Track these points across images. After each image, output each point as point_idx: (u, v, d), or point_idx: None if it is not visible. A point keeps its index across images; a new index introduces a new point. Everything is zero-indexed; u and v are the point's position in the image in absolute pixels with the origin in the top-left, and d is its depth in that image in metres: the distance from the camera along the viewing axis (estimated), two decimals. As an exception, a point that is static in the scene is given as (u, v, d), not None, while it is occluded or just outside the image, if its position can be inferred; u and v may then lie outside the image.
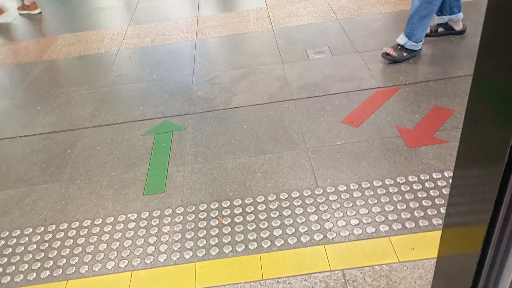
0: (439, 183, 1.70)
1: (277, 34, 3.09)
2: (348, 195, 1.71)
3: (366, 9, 3.23)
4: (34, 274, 1.59)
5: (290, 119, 2.19)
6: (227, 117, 2.28)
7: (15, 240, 1.73)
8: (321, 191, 1.75)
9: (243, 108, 2.33)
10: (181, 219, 1.72)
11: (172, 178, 1.92)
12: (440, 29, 2.67)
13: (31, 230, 1.76)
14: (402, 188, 1.70)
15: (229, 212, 1.72)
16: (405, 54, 2.49)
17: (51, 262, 1.62)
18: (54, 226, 1.76)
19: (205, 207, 1.75)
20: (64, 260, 1.62)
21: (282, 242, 1.57)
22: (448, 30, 2.67)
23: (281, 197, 1.75)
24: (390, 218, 1.59)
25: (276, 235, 1.59)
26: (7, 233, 1.76)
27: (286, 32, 3.09)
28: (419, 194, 1.66)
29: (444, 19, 2.63)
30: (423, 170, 1.76)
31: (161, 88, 2.63)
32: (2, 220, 1.83)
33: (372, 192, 1.70)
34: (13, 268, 1.62)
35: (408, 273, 1.41)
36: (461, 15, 2.60)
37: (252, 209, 1.71)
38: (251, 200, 1.75)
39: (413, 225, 1.55)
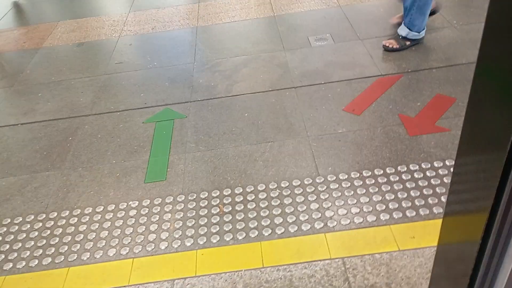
0: (440, 171, 1.70)
1: (278, 21, 3.06)
2: (349, 184, 1.71)
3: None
4: (36, 261, 1.59)
5: (291, 107, 2.18)
6: (228, 105, 2.27)
7: (17, 227, 1.73)
8: (322, 179, 1.74)
9: (245, 96, 2.32)
10: (182, 207, 1.72)
11: (173, 166, 1.92)
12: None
13: (32, 217, 1.77)
14: (403, 177, 1.70)
15: (230, 200, 1.72)
16: (407, 43, 2.46)
17: (53, 249, 1.63)
18: (55, 213, 1.77)
19: (206, 195, 1.75)
20: (66, 247, 1.63)
21: (283, 230, 1.57)
22: None
23: (282, 185, 1.74)
24: (391, 206, 1.59)
25: (277, 223, 1.60)
26: (9, 220, 1.77)
27: (287, 19, 3.06)
28: (420, 183, 1.66)
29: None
30: (425, 158, 1.76)
31: (162, 75, 2.62)
32: (4, 207, 1.84)
33: (373, 181, 1.70)
34: (15, 254, 1.63)
35: (408, 261, 1.41)
36: None
37: (253, 197, 1.71)
38: (252, 188, 1.75)
39: (414, 213, 1.55)
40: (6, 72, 2.93)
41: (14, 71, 2.89)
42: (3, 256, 1.63)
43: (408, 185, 1.66)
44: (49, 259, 1.59)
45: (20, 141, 2.22)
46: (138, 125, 2.21)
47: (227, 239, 1.57)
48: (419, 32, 2.42)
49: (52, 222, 1.73)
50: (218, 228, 1.61)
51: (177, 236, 1.61)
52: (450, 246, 0.91)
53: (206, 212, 1.68)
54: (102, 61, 2.87)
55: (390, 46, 2.46)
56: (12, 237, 1.70)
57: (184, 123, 2.18)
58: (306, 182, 1.74)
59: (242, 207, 1.68)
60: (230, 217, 1.65)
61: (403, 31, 2.44)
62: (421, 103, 2.06)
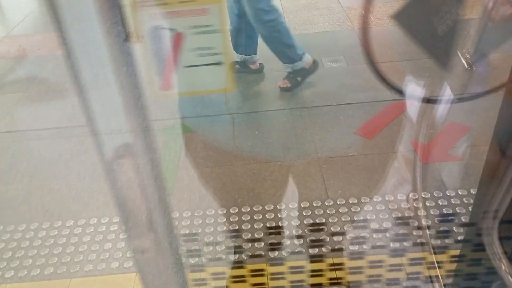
0: (452, 201, 1.67)
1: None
2: (359, 208, 1.68)
3: (383, 20, 3.20)
4: (38, 270, 1.57)
5: (302, 127, 2.16)
6: (239, 122, 2.26)
7: (20, 234, 1.72)
8: (331, 202, 1.72)
9: (255, 114, 2.32)
10: (188, 223, 1.70)
11: (181, 180, 1.91)
12: (237, 66, 2.63)
13: (37, 225, 1.75)
14: (415, 205, 1.67)
15: (237, 218, 1.70)
16: (299, 79, 2.45)
17: (56, 259, 1.61)
18: (60, 223, 1.75)
19: (212, 213, 1.73)
20: (69, 258, 1.61)
21: (290, 251, 1.54)
22: (245, 68, 2.64)
23: (290, 206, 1.72)
24: (401, 233, 1.56)
25: (284, 244, 1.57)
26: (13, 227, 1.76)
27: (301, 39, 3.07)
28: (431, 212, 1.63)
29: (239, 57, 2.60)
30: (437, 187, 1.73)
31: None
32: (8, 214, 1.82)
33: (384, 207, 1.67)
34: (17, 262, 1.61)
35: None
36: (255, 57, 2.59)
37: (261, 217, 1.69)
38: (260, 208, 1.73)
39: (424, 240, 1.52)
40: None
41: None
42: (5, 264, 1.61)
43: (419, 213, 1.63)
44: (52, 269, 1.57)
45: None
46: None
47: (232, 258, 1.55)
48: (301, 60, 2.40)
49: (56, 231, 1.72)
50: (223, 247, 1.59)
51: (181, 253, 1.58)
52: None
53: (211, 230, 1.66)
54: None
55: (284, 86, 2.45)
56: (15, 244, 1.68)
57: (193, 138, 2.17)
58: (314, 205, 1.72)
59: (249, 226, 1.66)
60: (236, 235, 1.62)
61: (287, 68, 2.43)
62: (434, 130, 2.04)
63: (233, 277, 1.48)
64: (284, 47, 2.37)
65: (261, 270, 1.49)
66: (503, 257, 0.69)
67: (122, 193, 0.72)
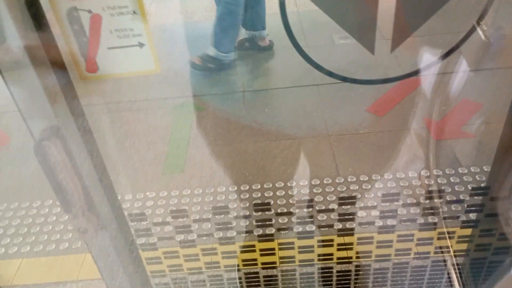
0: (464, 178, 1.65)
1: (302, 17, 3.01)
2: (370, 186, 1.68)
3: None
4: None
5: (312, 104, 2.15)
6: (249, 100, 2.25)
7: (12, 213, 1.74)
8: (342, 180, 1.72)
9: (265, 92, 2.30)
10: (199, 200, 1.71)
11: (192, 158, 1.91)
12: (246, 44, 2.56)
13: (27, 203, 1.77)
14: (426, 182, 1.66)
15: (247, 196, 1.70)
16: (211, 65, 2.39)
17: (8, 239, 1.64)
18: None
19: (223, 190, 1.74)
20: (21, 238, 1.62)
21: (300, 229, 1.55)
22: (254, 45, 2.56)
23: (301, 183, 1.72)
24: (412, 211, 1.56)
25: (294, 221, 1.58)
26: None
27: (311, 15, 3.02)
28: (443, 188, 1.62)
29: (247, 33, 2.52)
30: (449, 164, 1.72)
31: (182, 67, 2.60)
32: None
33: (395, 184, 1.67)
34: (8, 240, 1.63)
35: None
36: (264, 32, 2.51)
37: (271, 194, 1.69)
38: (270, 185, 1.73)
39: (431, 219, 1.52)
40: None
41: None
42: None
43: (430, 190, 1.63)
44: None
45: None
46: (157, 116, 2.21)
47: (243, 235, 1.56)
48: (226, 54, 2.35)
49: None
50: (234, 224, 1.60)
51: (193, 229, 1.60)
52: None
53: (223, 206, 1.67)
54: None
55: (196, 62, 2.39)
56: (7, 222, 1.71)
57: (204, 116, 2.17)
58: (325, 182, 1.72)
59: (259, 202, 1.66)
60: (247, 213, 1.63)
61: (211, 51, 2.36)
62: (446, 107, 2.02)
63: (245, 250, 1.50)
64: (221, 30, 2.32)
65: (272, 248, 1.51)
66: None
67: (55, 175, 0.72)
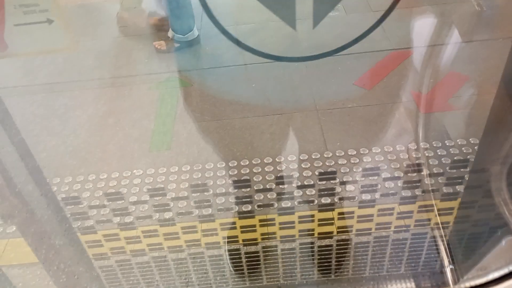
0: (451, 150, 1.67)
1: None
2: (358, 160, 1.68)
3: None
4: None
5: (300, 79, 2.12)
6: (235, 75, 2.21)
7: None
8: (330, 154, 1.72)
9: (252, 66, 2.26)
10: (187, 177, 1.70)
11: (178, 135, 1.89)
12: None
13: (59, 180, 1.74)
14: (414, 155, 1.67)
15: (236, 172, 1.69)
16: (176, 45, 2.36)
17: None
18: (58, 179, 1.75)
19: (211, 166, 1.72)
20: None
21: (289, 204, 1.55)
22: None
23: (289, 159, 1.72)
24: (399, 184, 1.57)
25: (283, 197, 1.58)
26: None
27: (298, -13, 2.96)
28: (430, 162, 1.63)
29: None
30: (436, 137, 1.72)
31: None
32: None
33: (382, 158, 1.67)
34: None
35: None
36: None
37: (260, 169, 1.69)
38: (259, 161, 1.72)
39: (420, 193, 1.54)
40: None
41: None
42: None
43: (418, 163, 1.64)
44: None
45: (21, 104, 2.18)
46: (142, 92, 2.16)
47: (232, 211, 1.56)
48: (183, 35, 2.32)
49: (55, 188, 1.71)
50: (223, 200, 1.60)
51: (181, 206, 1.60)
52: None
53: (211, 183, 1.66)
54: (105, 25, 2.78)
55: (158, 47, 2.36)
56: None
57: (190, 92, 2.13)
58: (313, 157, 1.71)
59: (248, 178, 1.66)
60: (236, 190, 1.63)
61: (170, 33, 2.35)
62: (434, 79, 2.01)
63: (241, 226, 1.50)
64: (174, 16, 2.29)
65: (272, 219, 1.51)
66: (510, 202, 0.69)
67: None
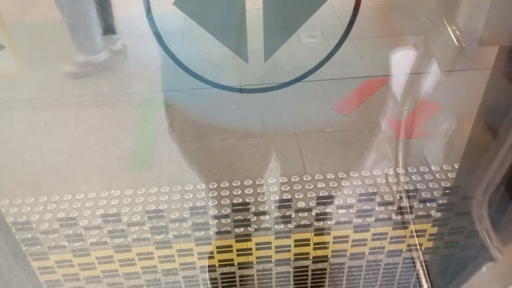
0: (426, 176, 1.72)
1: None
2: (336, 184, 1.71)
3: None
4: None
5: (280, 102, 2.16)
6: (216, 96, 2.23)
7: (-10, 211, 1.66)
8: (309, 178, 1.74)
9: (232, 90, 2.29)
10: (166, 198, 1.68)
11: (158, 155, 1.88)
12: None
13: (8, 201, 1.69)
14: (390, 180, 1.71)
15: (215, 194, 1.69)
16: (86, 69, 2.29)
17: (29, 236, 1.57)
18: (32, 199, 1.70)
19: (191, 188, 1.72)
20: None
21: (269, 227, 1.56)
22: None
23: (269, 181, 1.73)
24: (377, 209, 1.60)
25: (263, 219, 1.58)
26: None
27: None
28: (406, 187, 1.68)
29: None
30: (411, 163, 1.78)
31: (148, 61, 2.55)
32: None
33: (360, 182, 1.71)
34: None
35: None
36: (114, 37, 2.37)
37: (240, 192, 1.69)
38: (239, 183, 1.73)
39: (400, 217, 1.57)
40: None
41: None
42: None
43: (394, 188, 1.68)
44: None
45: (-5, 120, 2.13)
46: (122, 111, 2.15)
47: (211, 233, 1.55)
48: (96, 55, 2.22)
49: (29, 208, 1.67)
50: (202, 221, 1.59)
51: (148, 227, 1.58)
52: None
53: (191, 205, 1.65)
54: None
55: (70, 71, 2.26)
56: None
57: (170, 112, 2.13)
58: (293, 180, 1.73)
59: (228, 201, 1.66)
60: (215, 211, 1.62)
61: (80, 56, 2.27)
62: (409, 106, 2.08)
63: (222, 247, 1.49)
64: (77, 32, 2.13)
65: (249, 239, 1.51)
66: (492, 230, 0.72)
67: None
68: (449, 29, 0.98)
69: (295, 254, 1.46)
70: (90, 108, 2.16)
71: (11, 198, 1.68)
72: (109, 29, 2.31)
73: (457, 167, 1.55)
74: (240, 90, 1.21)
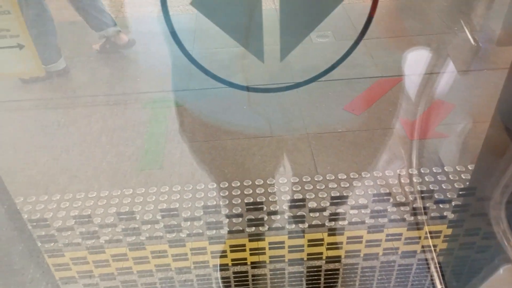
0: (438, 177, 1.70)
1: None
2: (348, 184, 1.70)
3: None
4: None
5: (291, 102, 2.15)
6: (227, 96, 2.23)
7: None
8: (320, 178, 1.73)
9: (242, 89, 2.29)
10: (178, 197, 1.69)
11: (170, 155, 1.88)
12: (107, 46, 2.42)
13: (22, 199, 1.71)
14: (402, 181, 1.70)
15: (227, 193, 1.69)
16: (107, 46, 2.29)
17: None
18: (46, 197, 1.71)
19: (202, 187, 1.72)
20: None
21: (282, 226, 1.56)
22: (113, 46, 2.41)
23: (280, 181, 1.73)
24: (390, 209, 1.59)
25: (274, 219, 1.58)
26: None
27: (289, 13, 3.03)
28: (418, 187, 1.66)
29: (100, 35, 2.37)
30: (424, 163, 1.76)
31: (160, 61, 2.56)
32: None
33: (372, 183, 1.70)
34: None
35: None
36: (113, 29, 2.34)
37: (251, 191, 1.69)
38: (250, 183, 1.73)
39: (414, 218, 1.56)
40: None
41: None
42: None
43: (407, 189, 1.66)
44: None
45: (9, 119, 2.15)
46: (134, 111, 2.16)
47: (223, 233, 1.55)
48: (53, 64, 2.21)
49: (43, 206, 1.68)
50: (214, 220, 1.59)
51: (161, 225, 1.58)
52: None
53: (202, 204, 1.65)
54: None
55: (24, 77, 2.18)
56: None
57: (181, 112, 2.14)
58: (304, 180, 1.73)
59: (239, 201, 1.66)
60: (226, 211, 1.62)
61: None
62: (421, 107, 2.07)
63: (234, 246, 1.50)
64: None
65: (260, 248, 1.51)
66: (509, 232, 0.71)
67: None
68: (466, 29, 0.97)
69: (308, 254, 1.46)
70: (102, 107, 2.17)
71: (25, 196, 1.70)
72: (104, 23, 2.31)
73: (471, 168, 1.54)
74: (257, 90, 1.21)
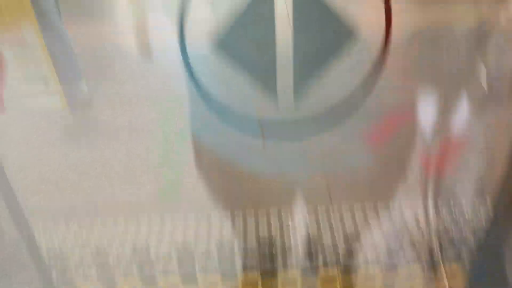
0: (456, 215, 1.68)
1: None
2: (364, 219, 1.69)
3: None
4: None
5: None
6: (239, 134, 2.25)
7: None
8: (335, 211, 1.73)
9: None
10: (193, 230, 1.70)
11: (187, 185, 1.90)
12: None
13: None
14: (419, 218, 1.68)
15: (241, 226, 1.70)
16: None
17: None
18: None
19: (217, 219, 1.73)
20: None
21: (294, 263, 1.55)
22: None
23: (295, 215, 1.72)
24: (406, 247, 1.57)
25: (288, 255, 1.57)
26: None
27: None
28: (435, 225, 1.64)
29: None
30: (441, 200, 1.74)
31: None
32: None
33: (389, 219, 1.68)
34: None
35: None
36: None
37: (265, 227, 1.70)
38: (265, 217, 1.73)
39: (429, 257, 1.53)
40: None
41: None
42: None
43: (423, 226, 1.64)
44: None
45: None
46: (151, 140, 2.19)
47: (237, 268, 1.55)
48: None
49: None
50: (228, 254, 1.59)
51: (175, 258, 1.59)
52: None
53: (217, 237, 1.66)
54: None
55: None
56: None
57: (198, 145, 2.16)
58: (319, 209, 1.72)
59: (253, 235, 1.66)
60: (241, 245, 1.63)
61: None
62: (438, 144, 2.05)
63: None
64: None
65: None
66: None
67: None
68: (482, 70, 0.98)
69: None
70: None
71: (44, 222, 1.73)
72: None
73: (490, 206, 1.51)
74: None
